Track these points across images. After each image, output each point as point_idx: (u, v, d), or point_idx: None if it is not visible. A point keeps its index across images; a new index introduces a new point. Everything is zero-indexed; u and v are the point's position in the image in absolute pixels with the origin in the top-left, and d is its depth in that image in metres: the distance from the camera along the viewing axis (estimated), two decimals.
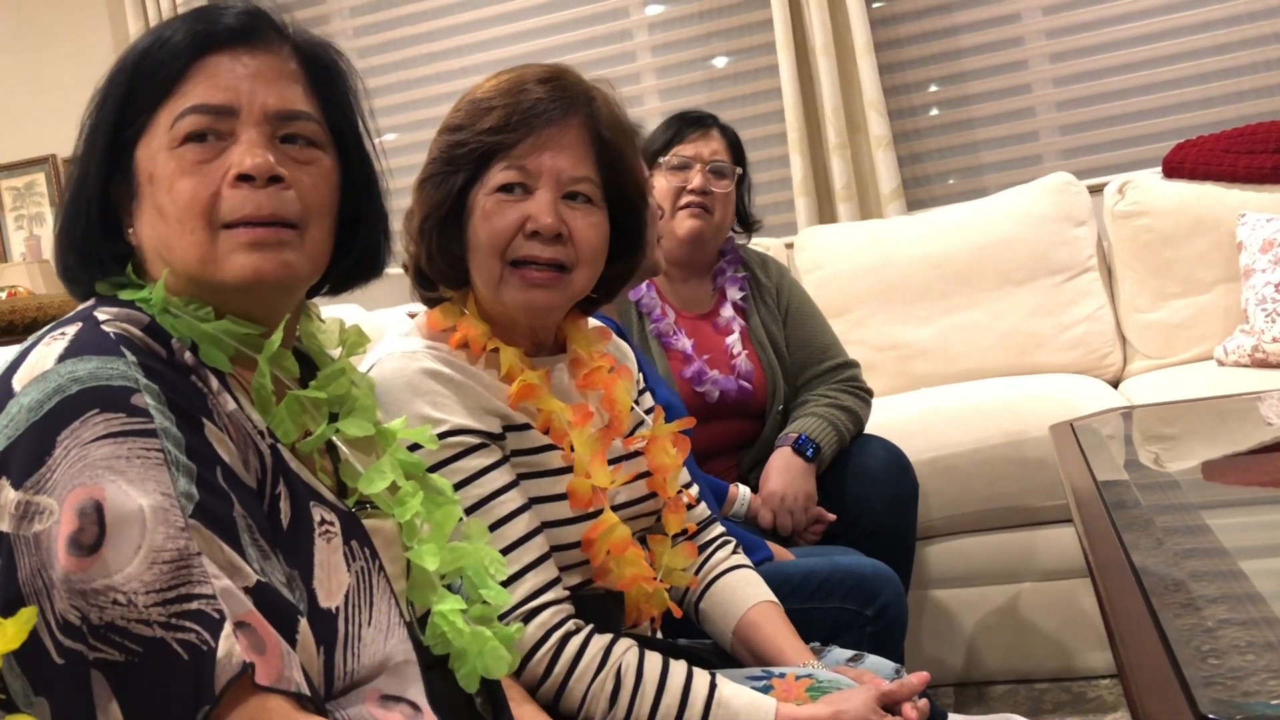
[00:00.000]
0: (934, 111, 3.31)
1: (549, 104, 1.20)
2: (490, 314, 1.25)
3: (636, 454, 1.32)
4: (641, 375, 1.44)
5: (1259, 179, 2.71)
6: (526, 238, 1.19)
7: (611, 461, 1.27)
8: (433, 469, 1.09)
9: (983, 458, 2.31)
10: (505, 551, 1.14)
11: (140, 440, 0.77)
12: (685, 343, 2.08)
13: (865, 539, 1.93)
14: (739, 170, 2.18)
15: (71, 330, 0.84)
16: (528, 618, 1.14)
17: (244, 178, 0.87)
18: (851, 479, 2.03)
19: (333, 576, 0.87)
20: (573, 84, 1.23)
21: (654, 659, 1.16)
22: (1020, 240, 2.83)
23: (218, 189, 0.88)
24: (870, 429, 2.16)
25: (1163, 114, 3.11)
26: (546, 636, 1.14)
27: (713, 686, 1.14)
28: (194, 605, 0.74)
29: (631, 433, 1.33)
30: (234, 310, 0.91)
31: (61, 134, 3.88)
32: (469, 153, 1.21)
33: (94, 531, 0.74)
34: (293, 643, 0.79)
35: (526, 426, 1.22)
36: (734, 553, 1.42)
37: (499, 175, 1.20)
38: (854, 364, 2.20)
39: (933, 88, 3.31)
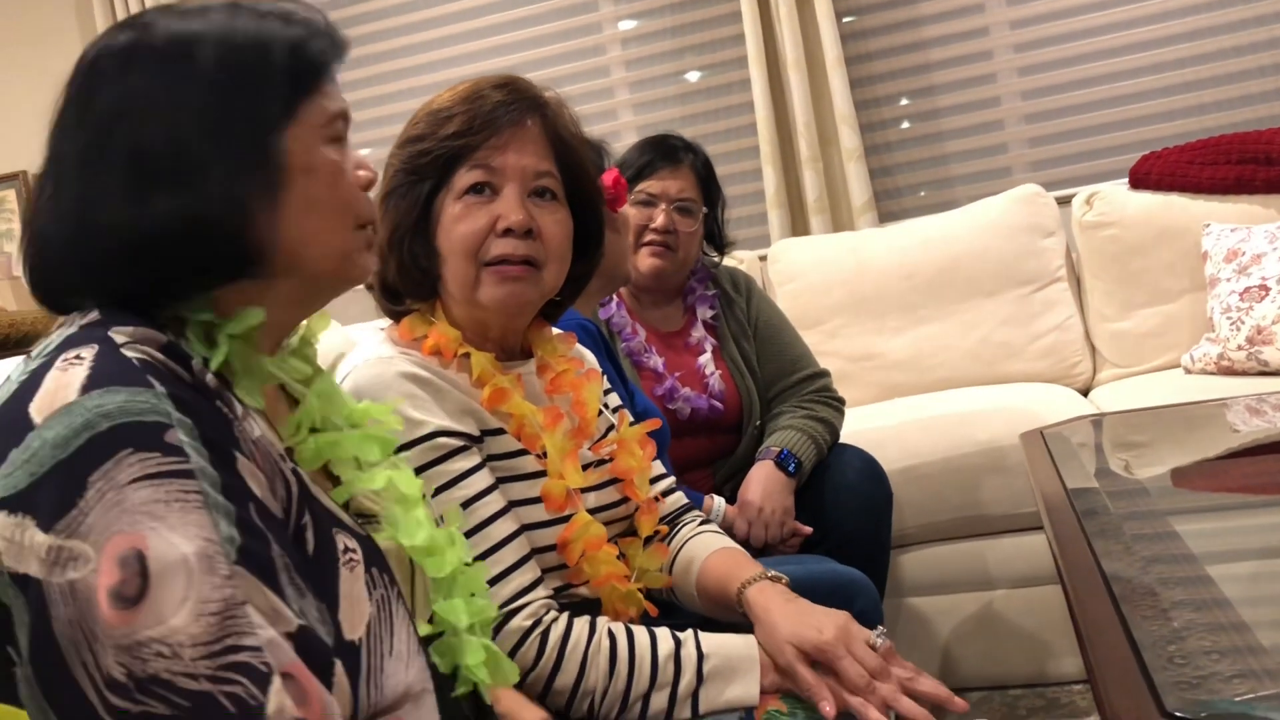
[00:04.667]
0: (904, 125, 3.35)
1: (508, 107, 1.24)
2: (459, 321, 1.27)
3: (606, 461, 1.33)
4: (607, 380, 1.45)
5: (1223, 190, 2.75)
6: (498, 236, 1.22)
7: (583, 467, 1.28)
8: (417, 472, 1.09)
9: (955, 466, 2.33)
10: (490, 552, 1.16)
11: (178, 481, 0.73)
12: (656, 360, 2.10)
13: (840, 547, 1.95)
14: (705, 210, 2.18)
15: (88, 354, 0.77)
16: (513, 614, 1.15)
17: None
18: (826, 488, 2.04)
19: (355, 607, 0.85)
20: (527, 88, 1.28)
21: (636, 626, 1.20)
22: (990, 251, 2.86)
23: (359, 193, 0.91)
24: (844, 439, 2.17)
25: (1129, 126, 3.16)
26: (534, 626, 1.16)
27: (696, 631, 1.18)
28: (241, 657, 0.71)
29: (602, 436, 1.35)
30: (318, 304, 0.94)
31: (30, 151, 3.86)
32: (433, 160, 1.23)
33: (137, 583, 0.70)
34: (330, 685, 0.77)
35: (500, 431, 1.23)
36: (698, 525, 1.43)
37: (465, 178, 1.23)
38: (825, 373, 2.22)
39: (903, 101, 3.34)
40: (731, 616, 1.28)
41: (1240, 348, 2.49)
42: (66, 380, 0.75)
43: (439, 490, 1.16)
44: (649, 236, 2.10)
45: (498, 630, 1.14)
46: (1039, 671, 2.33)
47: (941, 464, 2.33)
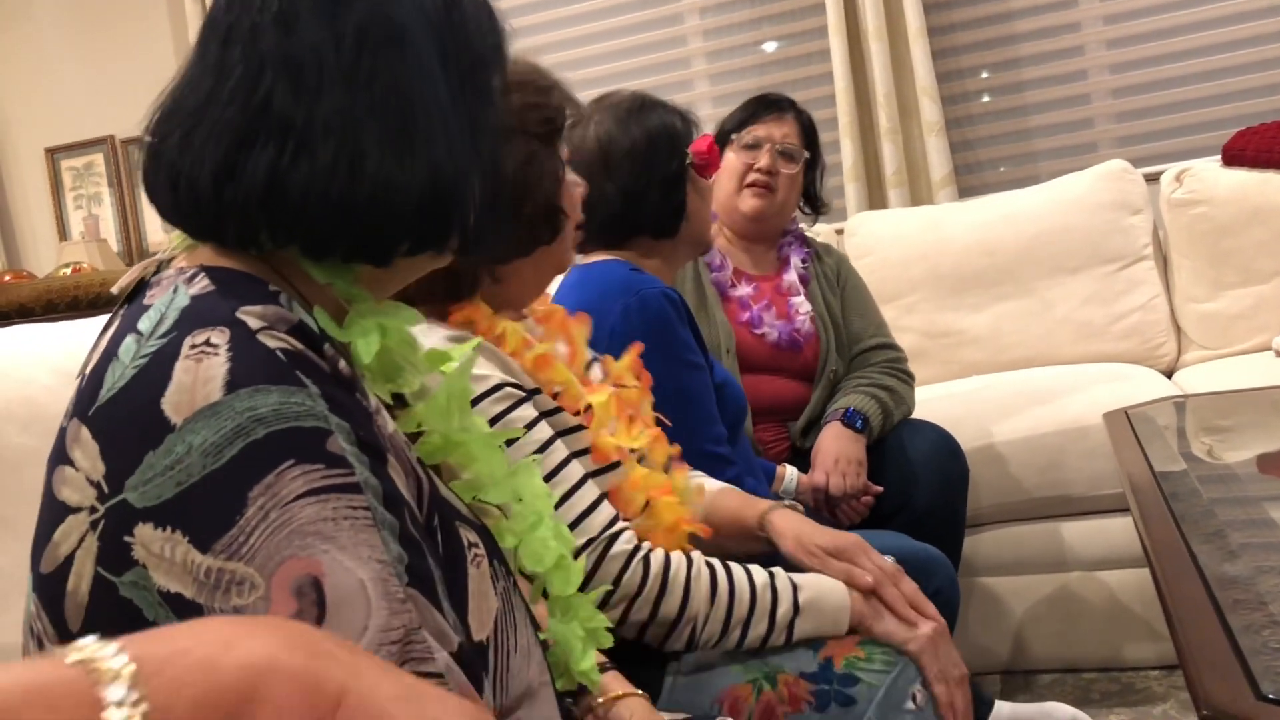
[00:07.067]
0: (986, 98, 3.28)
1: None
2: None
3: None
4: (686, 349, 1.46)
5: None
6: None
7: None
8: (489, 424, 1.11)
9: (1033, 446, 2.29)
10: (570, 493, 1.18)
11: (345, 497, 0.67)
12: (744, 290, 2.19)
13: (915, 522, 1.93)
14: (807, 155, 2.25)
15: (220, 341, 0.69)
16: (614, 539, 1.18)
17: None
18: (902, 462, 2.04)
19: (483, 605, 0.80)
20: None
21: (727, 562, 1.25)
22: (1074, 228, 2.80)
23: None
24: (921, 415, 2.17)
25: (1222, 101, 3.06)
26: (635, 551, 1.18)
27: (787, 571, 1.23)
28: None
29: (585, 369, 1.38)
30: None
31: (119, 115, 3.95)
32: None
33: (314, 613, 0.64)
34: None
35: (537, 391, 1.25)
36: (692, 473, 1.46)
37: None
38: (899, 348, 2.25)
39: (985, 74, 3.28)
40: (749, 546, 1.35)
41: None
42: (205, 374, 0.67)
43: (510, 440, 1.17)
44: (752, 177, 2.20)
45: (602, 557, 1.16)
46: (1114, 655, 2.30)
47: (1019, 443, 2.30)
